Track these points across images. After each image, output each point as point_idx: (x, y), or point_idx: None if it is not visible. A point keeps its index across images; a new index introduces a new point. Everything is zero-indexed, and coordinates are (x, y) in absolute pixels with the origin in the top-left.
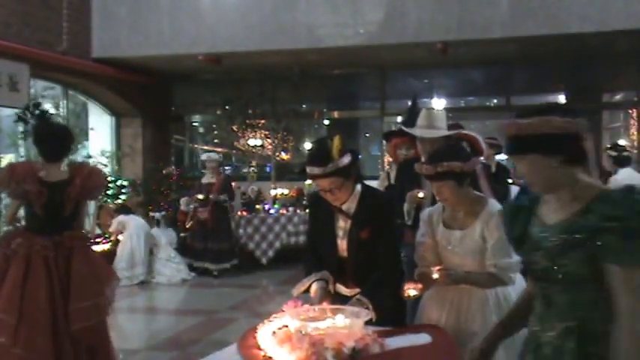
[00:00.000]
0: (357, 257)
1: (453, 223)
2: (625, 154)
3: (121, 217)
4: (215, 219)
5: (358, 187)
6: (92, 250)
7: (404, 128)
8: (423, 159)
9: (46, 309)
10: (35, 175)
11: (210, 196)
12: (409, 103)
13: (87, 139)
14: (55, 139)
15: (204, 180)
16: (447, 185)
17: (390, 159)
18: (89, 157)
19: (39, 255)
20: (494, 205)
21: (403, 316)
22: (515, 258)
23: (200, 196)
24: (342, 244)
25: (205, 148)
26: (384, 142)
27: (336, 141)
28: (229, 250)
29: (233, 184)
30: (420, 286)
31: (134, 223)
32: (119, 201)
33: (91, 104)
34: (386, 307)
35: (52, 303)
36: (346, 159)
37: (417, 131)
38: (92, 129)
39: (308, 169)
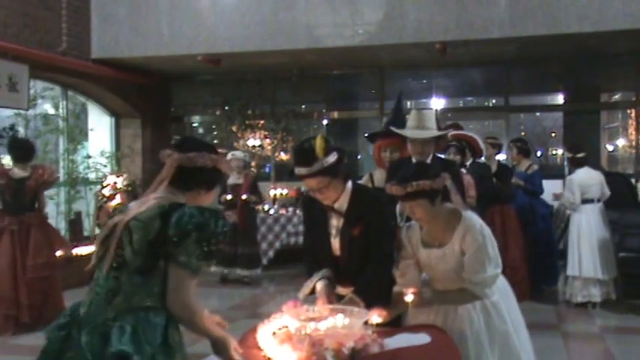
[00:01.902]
0: (351, 255)
1: (431, 242)
2: (580, 154)
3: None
4: (245, 221)
5: (349, 185)
6: (49, 225)
7: (394, 129)
8: (414, 160)
9: (10, 265)
10: (6, 173)
11: (243, 197)
12: (409, 104)
13: (86, 140)
14: (21, 149)
15: (230, 181)
16: (418, 204)
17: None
18: (88, 157)
19: (7, 228)
20: (470, 217)
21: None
22: (491, 272)
23: (228, 197)
24: (336, 243)
25: None
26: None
27: (319, 140)
28: (258, 254)
29: None
30: (416, 290)
31: None
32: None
33: (90, 105)
34: (379, 304)
35: (14, 261)
36: (332, 158)
37: (407, 132)
38: (92, 129)
39: (295, 170)
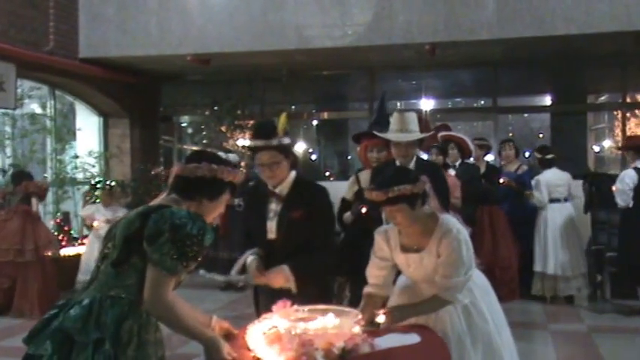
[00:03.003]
0: (286, 238)
1: (409, 246)
2: (549, 156)
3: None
4: (229, 225)
5: (293, 173)
6: (37, 220)
7: (377, 133)
8: (397, 162)
9: None
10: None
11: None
12: (398, 104)
13: (74, 140)
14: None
15: None
16: (399, 209)
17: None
18: (76, 157)
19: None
20: (447, 222)
21: (328, 297)
22: (462, 277)
23: None
24: (272, 226)
25: (194, 148)
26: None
27: (283, 118)
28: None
29: None
30: (386, 310)
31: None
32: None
33: (78, 104)
34: (308, 280)
35: None
36: (288, 139)
37: (391, 135)
38: (79, 129)
39: (252, 143)
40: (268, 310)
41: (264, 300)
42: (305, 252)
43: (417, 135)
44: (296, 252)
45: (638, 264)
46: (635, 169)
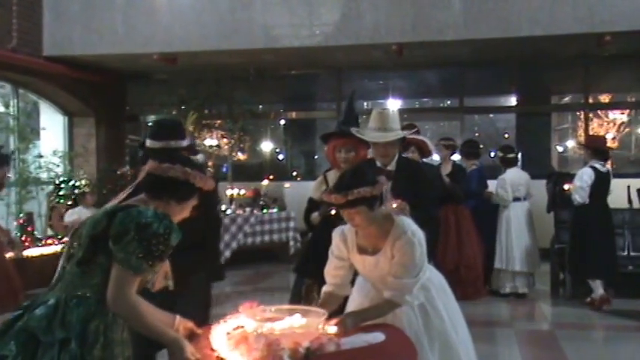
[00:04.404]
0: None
1: (366, 247)
2: (510, 155)
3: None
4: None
5: None
6: None
7: (356, 133)
8: (378, 163)
9: None
10: None
11: None
12: (365, 104)
13: (38, 139)
14: None
15: None
16: (358, 212)
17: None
18: (40, 157)
19: None
20: (402, 223)
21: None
22: (413, 278)
23: None
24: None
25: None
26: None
27: (192, 118)
28: (221, 267)
29: None
30: (338, 320)
31: None
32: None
33: (42, 103)
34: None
35: None
36: (190, 142)
37: (369, 135)
38: (44, 128)
39: (164, 144)
40: None
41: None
42: (186, 250)
43: (397, 134)
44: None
45: (590, 259)
46: (593, 167)
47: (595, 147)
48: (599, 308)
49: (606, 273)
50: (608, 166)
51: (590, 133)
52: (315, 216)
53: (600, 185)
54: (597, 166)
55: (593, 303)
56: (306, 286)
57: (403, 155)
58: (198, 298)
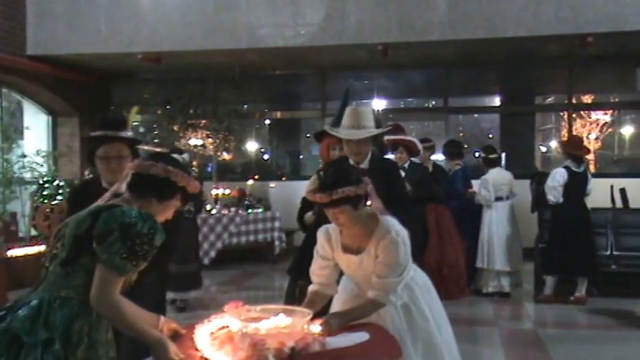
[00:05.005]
0: None
1: (350, 246)
2: (492, 156)
3: None
4: (179, 234)
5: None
6: None
7: (329, 130)
8: (351, 161)
9: None
10: None
11: None
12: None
13: (22, 139)
14: None
15: None
16: (343, 211)
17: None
18: (24, 156)
19: None
20: (387, 223)
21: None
22: (397, 278)
23: None
24: None
25: (145, 148)
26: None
27: (134, 112)
28: (196, 274)
29: None
30: (322, 320)
31: None
32: (55, 202)
33: (26, 102)
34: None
35: None
36: (135, 136)
37: (342, 132)
38: (27, 128)
39: (101, 133)
40: None
41: None
42: None
43: (370, 132)
44: None
45: (567, 258)
46: (566, 167)
47: (568, 148)
48: (581, 304)
49: (585, 271)
50: (585, 166)
51: (574, 133)
52: (308, 216)
53: (575, 185)
54: (571, 166)
55: (577, 301)
56: (299, 288)
57: (391, 155)
58: (147, 302)
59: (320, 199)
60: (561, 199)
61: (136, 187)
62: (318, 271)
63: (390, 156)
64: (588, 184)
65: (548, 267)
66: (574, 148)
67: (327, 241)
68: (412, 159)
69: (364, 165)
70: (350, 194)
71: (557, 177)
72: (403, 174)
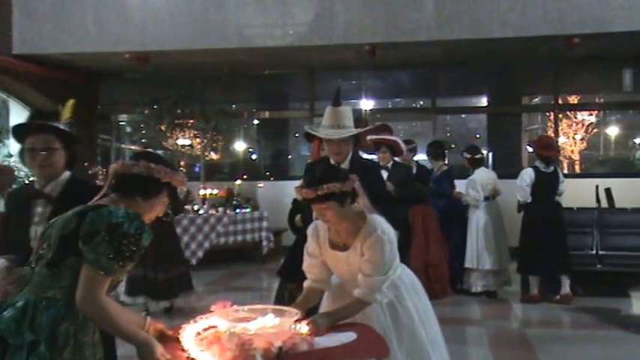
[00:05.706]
0: None
1: (337, 243)
2: (478, 156)
3: None
4: (158, 239)
5: (67, 173)
6: None
7: (309, 130)
8: (332, 161)
9: None
10: None
11: None
12: None
13: (7, 138)
14: None
15: None
16: (329, 207)
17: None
18: (10, 156)
19: None
20: (374, 221)
21: None
22: (382, 276)
23: None
24: (37, 231)
25: (133, 147)
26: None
27: (70, 105)
28: (183, 276)
29: None
30: (309, 321)
31: None
32: None
33: (12, 102)
34: None
35: None
36: (68, 128)
37: (322, 132)
38: None
39: (28, 122)
40: None
41: None
42: None
43: (349, 131)
44: None
45: (537, 257)
46: (534, 167)
47: (537, 148)
48: (565, 303)
49: (557, 270)
50: (556, 166)
51: (560, 133)
52: (299, 218)
53: (543, 185)
54: (540, 166)
55: (563, 300)
56: (289, 291)
57: (373, 155)
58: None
59: (306, 194)
60: (529, 199)
61: (120, 188)
62: (308, 268)
63: (373, 156)
64: (560, 184)
65: (521, 266)
66: (542, 148)
67: (315, 237)
68: (395, 159)
69: (345, 165)
70: (335, 190)
71: (525, 177)
72: (387, 174)
